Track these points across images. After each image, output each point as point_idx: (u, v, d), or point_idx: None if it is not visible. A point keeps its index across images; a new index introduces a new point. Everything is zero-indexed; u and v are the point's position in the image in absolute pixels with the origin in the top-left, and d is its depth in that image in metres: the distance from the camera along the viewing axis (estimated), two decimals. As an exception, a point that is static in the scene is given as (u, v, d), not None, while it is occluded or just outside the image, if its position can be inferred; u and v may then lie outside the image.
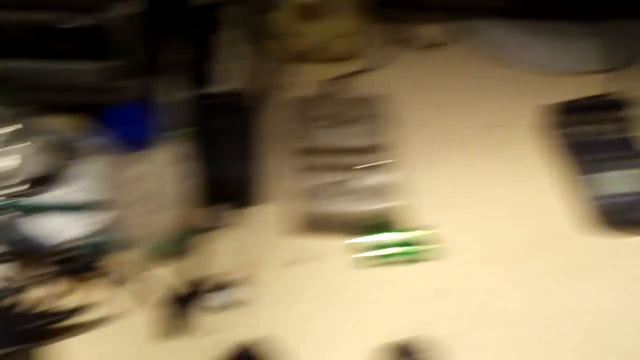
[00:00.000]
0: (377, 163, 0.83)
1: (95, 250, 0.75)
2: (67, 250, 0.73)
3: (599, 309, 0.76)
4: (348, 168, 0.83)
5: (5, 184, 0.76)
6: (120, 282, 0.74)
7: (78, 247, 0.74)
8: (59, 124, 0.85)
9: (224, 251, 0.79)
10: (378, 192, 0.81)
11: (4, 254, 0.71)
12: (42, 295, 0.71)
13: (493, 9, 1.06)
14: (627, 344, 0.73)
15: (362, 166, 0.83)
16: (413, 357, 0.69)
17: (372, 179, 0.82)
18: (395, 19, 1.05)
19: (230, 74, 0.89)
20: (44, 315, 0.68)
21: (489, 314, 0.75)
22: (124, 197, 0.78)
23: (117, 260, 0.76)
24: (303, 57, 0.99)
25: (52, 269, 0.72)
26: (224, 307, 0.74)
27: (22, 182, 0.76)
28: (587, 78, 0.98)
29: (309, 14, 0.98)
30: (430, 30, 1.06)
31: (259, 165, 0.84)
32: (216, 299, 0.74)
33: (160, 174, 0.80)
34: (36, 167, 0.78)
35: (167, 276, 0.76)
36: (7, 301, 0.68)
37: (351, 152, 0.84)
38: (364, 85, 0.97)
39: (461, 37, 1.05)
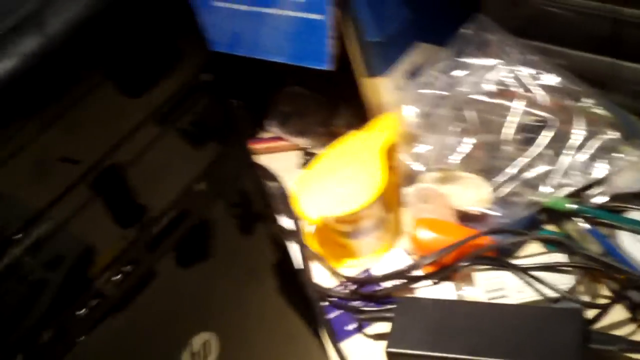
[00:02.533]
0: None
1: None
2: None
3: None
4: None
5: (588, 193, 0.69)
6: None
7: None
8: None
9: None
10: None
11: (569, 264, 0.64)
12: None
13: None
14: None
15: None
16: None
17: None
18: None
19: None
20: (619, 340, 0.58)
21: None
22: None
23: None
24: None
25: (625, 292, 0.62)
26: None
27: (606, 195, 0.69)
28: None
29: None
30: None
31: None
32: None
33: None
34: (626, 182, 0.69)
35: None
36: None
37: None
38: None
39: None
